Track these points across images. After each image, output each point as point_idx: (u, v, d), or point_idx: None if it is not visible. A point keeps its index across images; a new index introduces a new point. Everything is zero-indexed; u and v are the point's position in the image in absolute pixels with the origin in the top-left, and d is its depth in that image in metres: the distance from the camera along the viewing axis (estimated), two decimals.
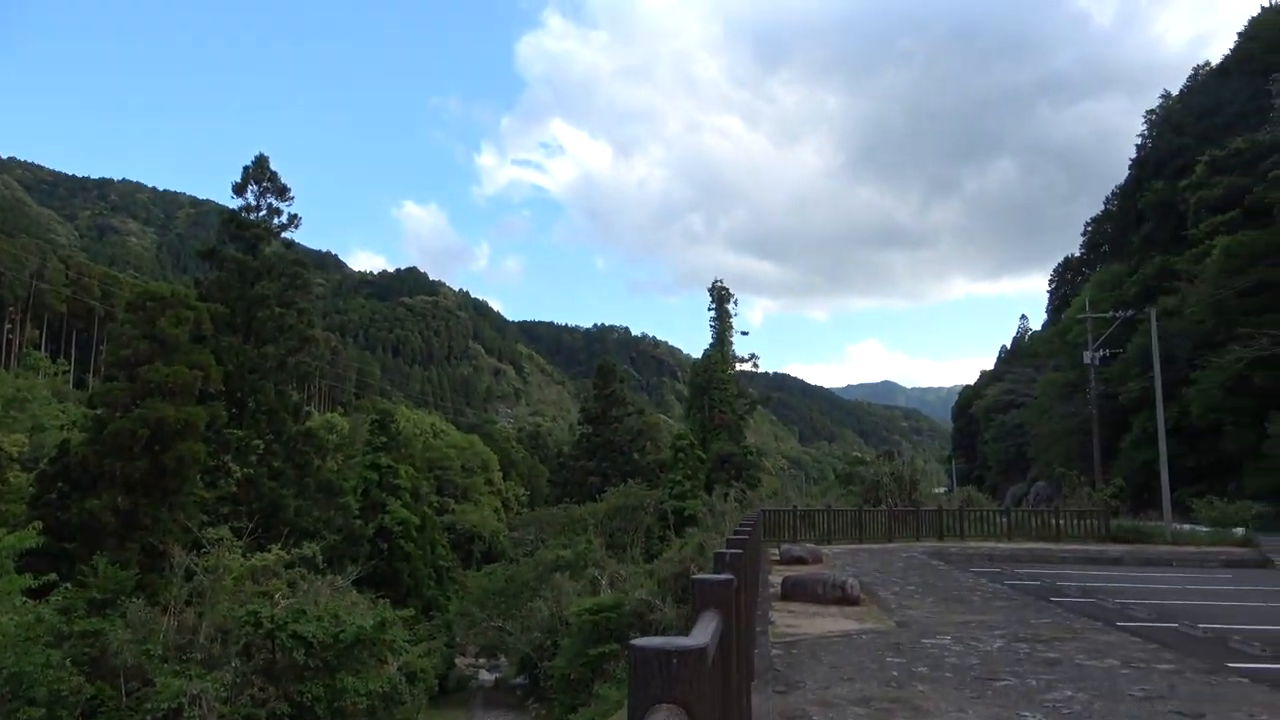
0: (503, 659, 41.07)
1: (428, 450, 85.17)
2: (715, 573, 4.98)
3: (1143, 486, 45.87)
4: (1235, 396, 46.02)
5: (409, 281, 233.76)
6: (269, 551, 24.85)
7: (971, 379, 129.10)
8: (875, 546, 25.67)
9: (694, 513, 40.76)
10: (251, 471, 36.65)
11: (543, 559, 40.51)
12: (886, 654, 9.31)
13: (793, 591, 13.87)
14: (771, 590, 14.56)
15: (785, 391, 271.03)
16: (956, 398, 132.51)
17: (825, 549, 23.68)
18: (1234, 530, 25.54)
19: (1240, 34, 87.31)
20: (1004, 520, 28.94)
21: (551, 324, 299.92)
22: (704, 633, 2.72)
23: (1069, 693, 7.41)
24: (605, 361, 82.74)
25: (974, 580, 16.89)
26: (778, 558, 20.86)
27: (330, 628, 19.76)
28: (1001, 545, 25.44)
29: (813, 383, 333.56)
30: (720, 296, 68.72)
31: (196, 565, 22.19)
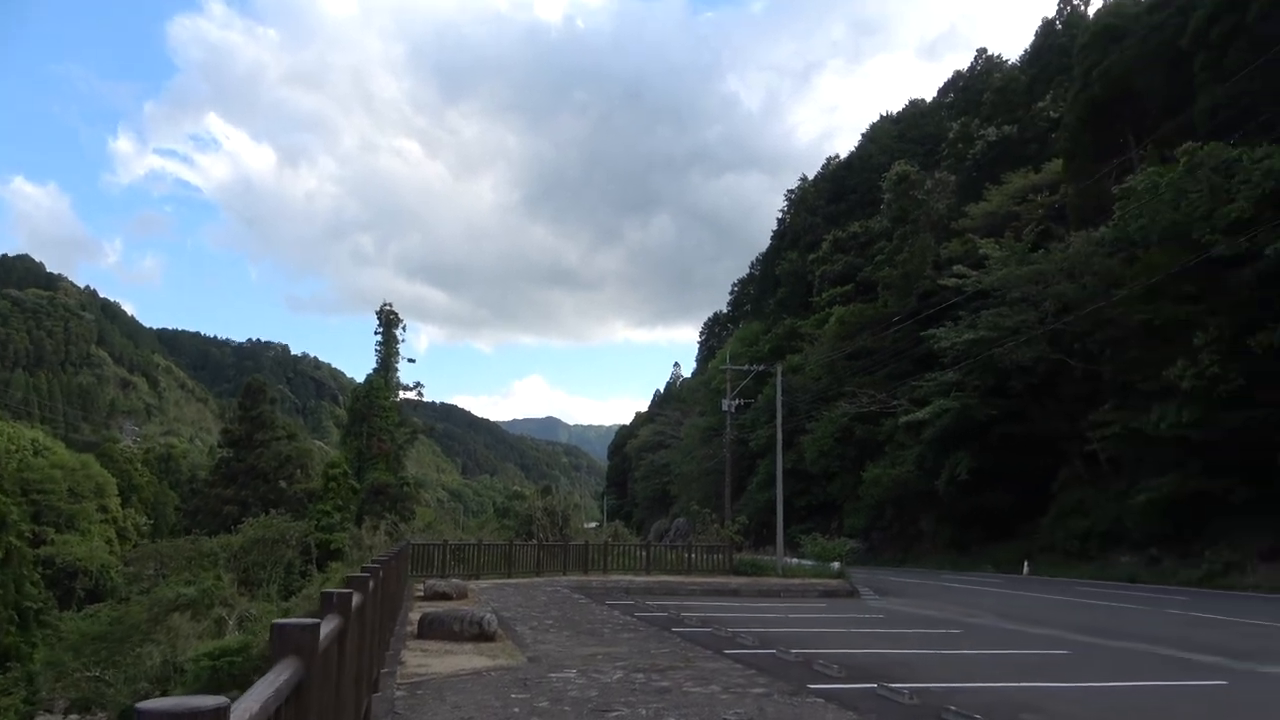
0: (101, 715, 35.84)
1: (24, 470, 73.05)
2: (322, 613, 4.63)
3: (764, 524, 51.00)
4: (842, 445, 53.04)
5: (18, 271, 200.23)
6: None
7: (628, 419, 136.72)
8: (523, 581, 25.97)
9: (340, 546, 38.73)
10: None
11: (161, 597, 36.10)
12: (512, 690, 9.34)
13: (429, 629, 13.54)
14: (408, 628, 14.11)
15: (451, 423, 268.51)
16: (614, 436, 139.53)
17: (473, 584, 23.54)
18: (832, 564, 29.14)
19: (863, 135, 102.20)
20: (644, 554, 30.67)
21: (198, 335, 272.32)
22: (260, 689, 2.47)
23: None
24: (255, 380, 76.74)
25: (608, 613, 17.62)
26: (422, 593, 20.35)
27: None
28: (640, 578, 26.90)
29: (479, 415, 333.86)
30: (388, 321, 66.70)
31: None
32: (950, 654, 13.53)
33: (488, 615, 13.70)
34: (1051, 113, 57.72)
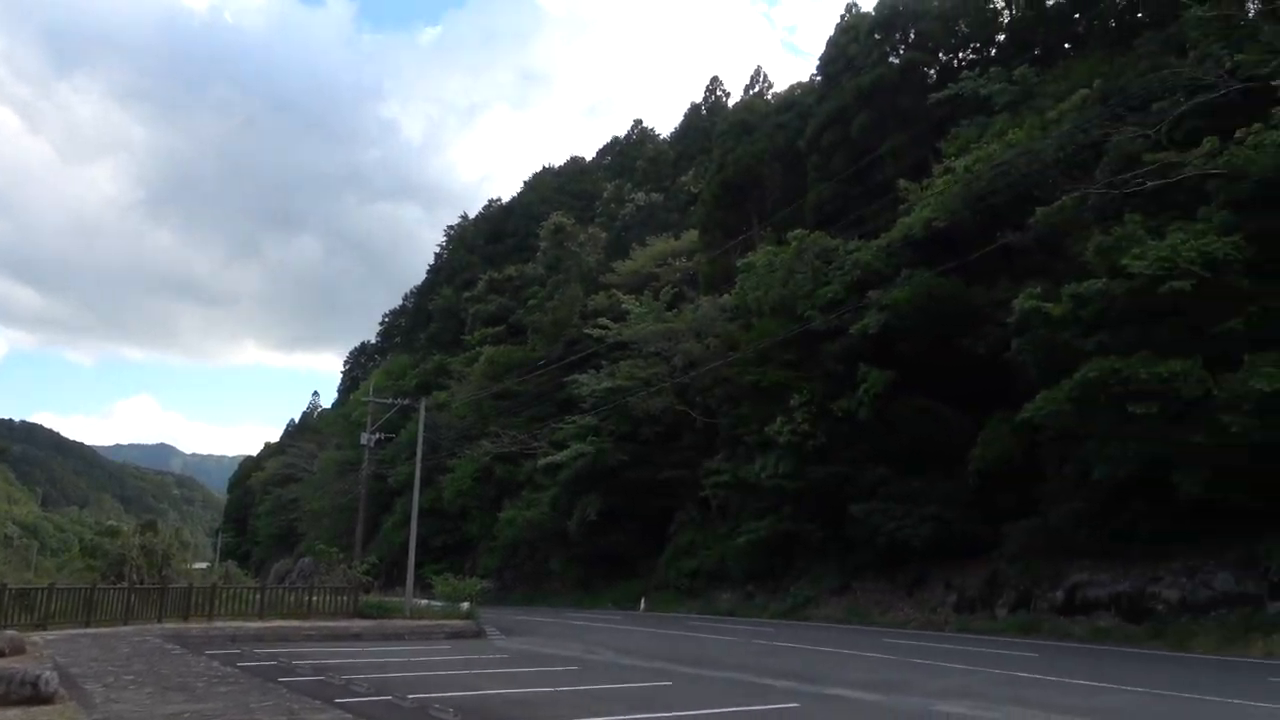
0: None
1: None
2: None
3: (397, 563, 49.30)
4: (481, 485, 53.08)
5: None
6: None
7: (256, 449, 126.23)
8: (106, 630, 22.55)
9: None
10: None
11: None
12: None
13: None
14: None
15: (31, 444, 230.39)
16: (238, 467, 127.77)
17: (38, 635, 19.97)
18: (461, 605, 28.82)
19: (526, 182, 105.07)
20: (258, 598, 28.12)
21: None
22: None
23: None
24: None
25: (206, 664, 15.81)
26: None
27: None
28: (251, 624, 24.58)
29: (70, 437, 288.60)
30: None
31: None
32: (566, 690, 13.86)
33: (46, 673, 11.61)
34: (692, 187, 63.63)
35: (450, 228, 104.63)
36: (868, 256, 30.47)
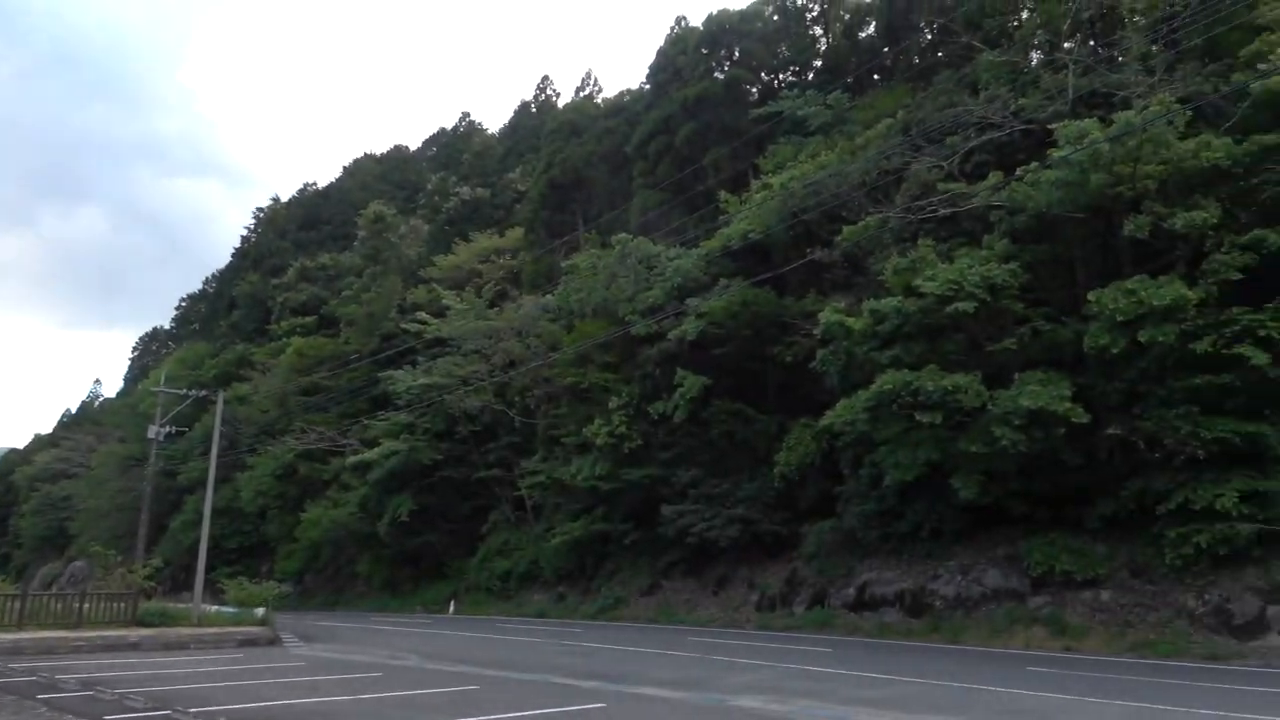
0: None
1: None
2: None
3: (186, 567, 46.04)
4: (283, 483, 50.35)
5: None
6: None
7: (24, 441, 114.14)
8: None
9: None
10: None
11: None
12: None
13: None
14: None
15: None
16: None
17: None
18: (256, 610, 27.18)
19: (345, 167, 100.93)
20: (17, 606, 25.32)
21: None
22: None
23: None
24: None
25: None
26: None
27: None
28: (7, 636, 22.09)
29: None
30: None
31: None
32: (369, 698, 13.33)
33: None
34: (519, 185, 63.14)
35: (260, 210, 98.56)
36: (688, 264, 31.28)
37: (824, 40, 42.48)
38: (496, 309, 42.31)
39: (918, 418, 20.60)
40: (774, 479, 28.30)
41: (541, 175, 49.60)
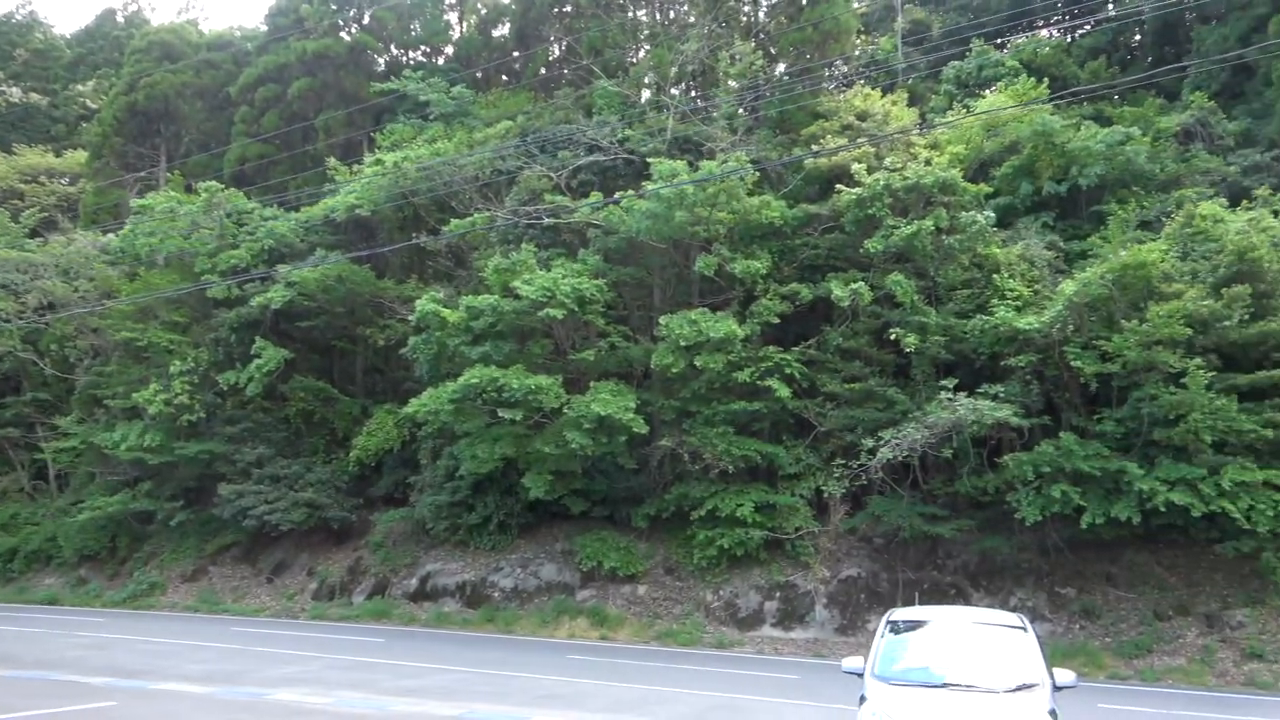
0: None
1: None
2: None
3: None
4: None
5: None
6: None
7: None
8: None
9: None
10: None
11: None
12: None
13: None
14: None
15: None
16: None
17: None
18: None
19: None
20: None
21: None
22: None
23: None
24: None
25: None
26: None
27: None
28: None
29: None
30: None
31: None
32: None
33: None
34: (91, 101, 54.39)
35: None
36: (285, 228, 29.13)
37: (458, 29, 42.23)
38: (41, 240, 35.90)
39: (500, 414, 21.26)
40: (350, 464, 27.40)
41: (120, 96, 42.98)
